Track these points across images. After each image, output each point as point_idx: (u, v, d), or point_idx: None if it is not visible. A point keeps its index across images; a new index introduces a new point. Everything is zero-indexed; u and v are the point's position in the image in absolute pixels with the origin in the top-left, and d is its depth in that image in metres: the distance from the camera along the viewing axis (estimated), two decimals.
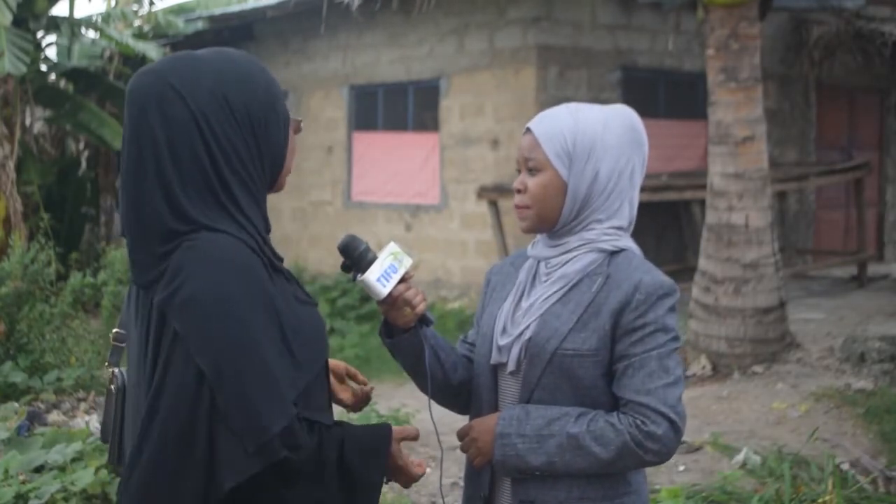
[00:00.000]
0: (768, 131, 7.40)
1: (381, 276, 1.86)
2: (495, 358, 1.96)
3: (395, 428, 1.78)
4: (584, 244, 1.92)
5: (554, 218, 1.93)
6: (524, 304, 1.95)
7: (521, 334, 1.91)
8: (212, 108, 1.63)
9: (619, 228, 1.93)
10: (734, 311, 6.89)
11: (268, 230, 1.72)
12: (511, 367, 1.93)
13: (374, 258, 1.88)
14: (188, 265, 1.56)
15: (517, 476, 1.90)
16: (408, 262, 1.89)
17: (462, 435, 1.96)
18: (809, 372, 6.69)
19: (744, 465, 4.96)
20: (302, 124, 1.81)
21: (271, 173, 1.71)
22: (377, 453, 1.72)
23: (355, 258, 1.89)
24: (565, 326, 1.87)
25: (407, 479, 1.79)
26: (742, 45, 6.87)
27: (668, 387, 1.82)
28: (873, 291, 9.90)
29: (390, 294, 1.87)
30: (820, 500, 4.30)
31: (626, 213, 1.94)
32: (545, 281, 1.95)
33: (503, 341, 1.94)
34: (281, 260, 1.73)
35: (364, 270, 1.87)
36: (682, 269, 9.51)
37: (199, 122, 1.62)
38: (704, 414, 5.94)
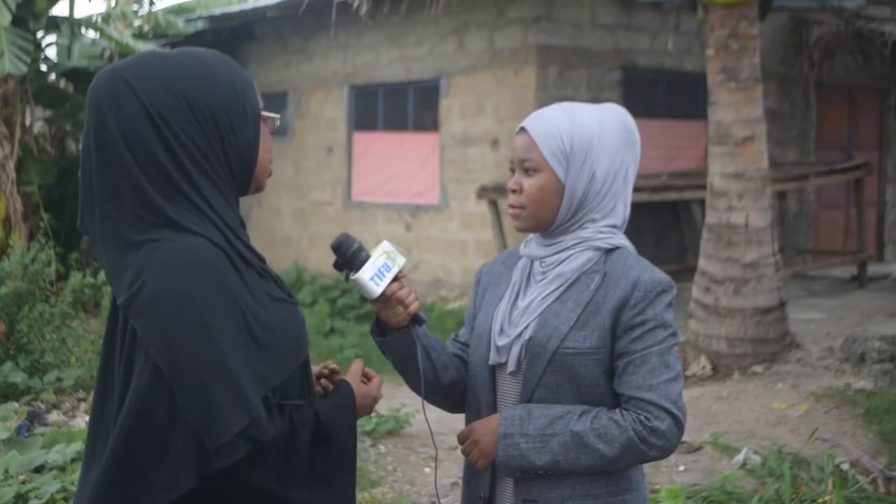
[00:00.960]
0: (768, 131, 7.40)
1: (374, 276, 1.85)
2: (494, 358, 1.95)
3: (348, 374, 1.87)
4: (579, 242, 1.92)
5: (550, 218, 1.92)
6: (521, 304, 1.95)
7: (520, 334, 1.91)
8: (167, 103, 1.61)
9: (614, 227, 1.94)
10: (734, 311, 6.89)
11: (242, 226, 1.70)
12: (511, 367, 1.92)
13: (368, 257, 1.86)
14: (149, 267, 1.56)
15: (520, 476, 1.90)
16: (401, 262, 1.88)
17: (463, 438, 1.96)
18: (809, 372, 6.69)
19: (744, 465, 4.95)
20: (277, 122, 1.79)
21: (242, 172, 1.69)
22: (350, 418, 1.78)
23: (348, 257, 1.87)
24: (565, 325, 1.87)
25: (373, 399, 1.88)
26: (742, 45, 6.87)
27: (669, 382, 1.83)
28: (873, 291, 9.90)
29: (383, 293, 1.86)
30: (820, 500, 4.30)
31: (621, 212, 1.95)
32: (541, 280, 1.95)
33: (502, 342, 1.94)
34: (261, 259, 1.71)
35: (357, 269, 1.85)
36: (682, 269, 9.50)
37: (153, 117, 1.60)
38: (704, 414, 5.94)
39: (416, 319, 1.94)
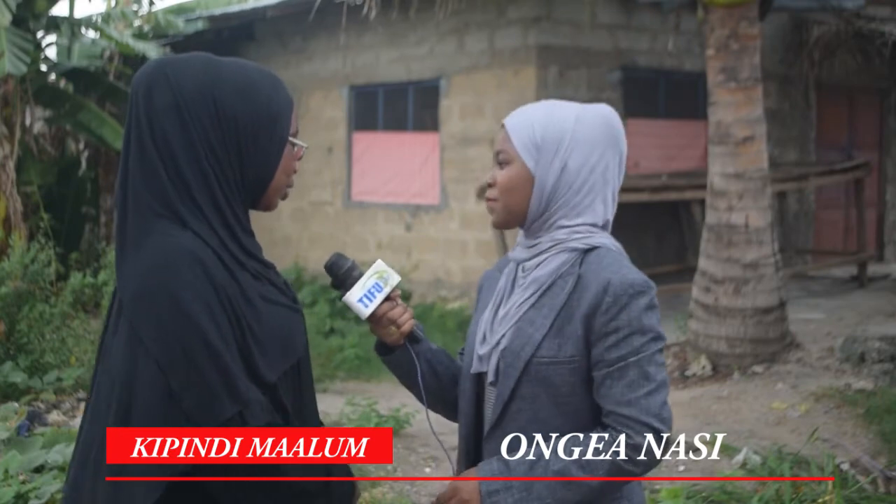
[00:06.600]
0: (768, 131, 7.40)
1: (363, 296, 1.86)
2: (476, 367, 1.93)
3: None
4: (554, 244, 1.87)
5: (521, 211, 1.89)
6: (501, 312, 1.92)
7: (497, 343, 1.88)
8: (196, 103, 1.67)
9: (592, 225, 1.88)
10: (734, 311, 6.89)
11: (250, 234, 1.74)
12: (491, 377, 1.89)
13: (360, 276, 1.87)
14: (139, 262, 1.63)
15: None
16: (394, 281, 1.89)
17: (445, 500, 1.88)
18: (809, 372, 6.69)
19: (744, 465, 4.95)
20: (304, 151, 1.82)
21: (254, 188, 1.74)
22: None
23: (340, 277, 1.89)
24: (539, 333, 1.82)
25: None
26: (742, 45, 6.87)
27: (650, 395, 1.77)
28: (873, 291, 9.90)
29: (374, 313, 1.87)
30: (820, 501, 4.30)
31: (600, 210, 1.89)
32: (521, 285, 1.91)
33: (482, 350, 1.91)
34: (267, 266, 1.75)
35: (347, 289, 1.87)
36: (682, 269, 9.51)
37: (180, 112, 1.66)
38: (704, 414, 5.94)
39: (412, 338, 1.94)
